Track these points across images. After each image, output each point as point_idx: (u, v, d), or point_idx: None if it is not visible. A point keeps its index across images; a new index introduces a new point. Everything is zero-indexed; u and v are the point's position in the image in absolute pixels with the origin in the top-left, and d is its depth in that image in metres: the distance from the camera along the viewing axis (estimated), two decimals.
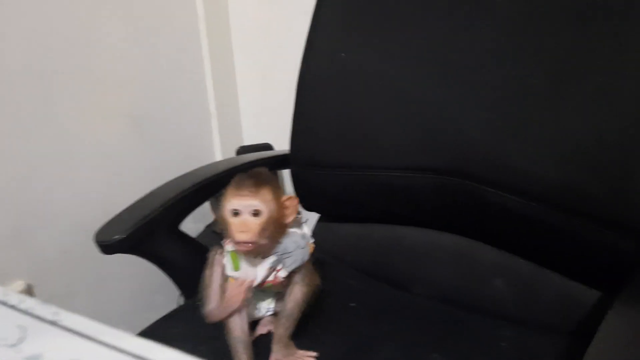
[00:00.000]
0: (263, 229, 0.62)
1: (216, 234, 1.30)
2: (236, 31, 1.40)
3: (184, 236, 0.88)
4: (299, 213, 0.71)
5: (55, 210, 1.07)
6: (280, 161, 1.01)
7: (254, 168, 0.68)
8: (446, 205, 0.86)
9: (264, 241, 0.63)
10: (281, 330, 0.71)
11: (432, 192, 0.86)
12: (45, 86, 1.01)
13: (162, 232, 0.83)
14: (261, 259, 0.66)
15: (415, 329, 0.78)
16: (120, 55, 1.15)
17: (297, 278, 0.72)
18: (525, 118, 0.75)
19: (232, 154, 1.38)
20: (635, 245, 0.67)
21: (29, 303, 0.35)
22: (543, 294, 0.81)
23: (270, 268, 0.67)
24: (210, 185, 0.89)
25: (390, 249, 0.95)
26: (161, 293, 1.17)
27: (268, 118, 1.45)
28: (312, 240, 0.72)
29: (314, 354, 0.69)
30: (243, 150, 1.34)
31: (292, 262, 0.67)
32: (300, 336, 0.72)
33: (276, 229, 0.65)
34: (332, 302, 0.84)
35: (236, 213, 0.62)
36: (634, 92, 0.66)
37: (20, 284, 1.03)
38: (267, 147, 1.33)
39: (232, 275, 0.67)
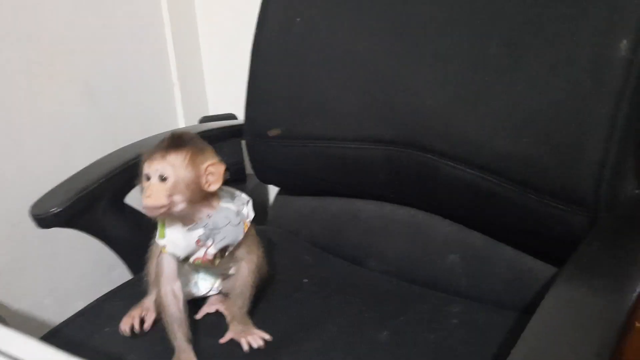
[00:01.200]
0: (170, 195, 0.59)
1: None
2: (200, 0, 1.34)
3: (130, 209, 0.85)
4: (242, 192, 0.68)
5: (1, 182, 1.03)
6: (235, 131, 0.97)
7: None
8: (400, 178, 0.83)
9: (178, 208, 0.60)
10: (235, 309, 0.69)
11: (386, 164, 0.83)
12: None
13: (104, 205, 0.80)
14: (187, 230, 0.63)
15: (366, 305, 0.76)
16: (72, 20, 1.10)
17: (241, 254, 0.69)
18: (480, 89, 0.72)
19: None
20: (587, 218, 0.65)
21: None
22: (496, 270, 0.79)
23: (199, 242, 0.64)
24: None
25: (345, 222, 0.93)
26: (118, 268, 1.14)
27: (234, 88, 1.40)
28: (249, 219, 0.69)
29: (268, 337, 0.67)
30: (205, 120, 1.30)
31: (222, 238, 0.64)
32: (250, 313, 0.70)
33: (194, 195, 0.61)
34: (285, 279, 0.82)
35: (148, 177, 0.60)
36: (588, 65, 0.63)
37: None
38: (230, 117, 1.29)
39: (158, 242, 0.65)
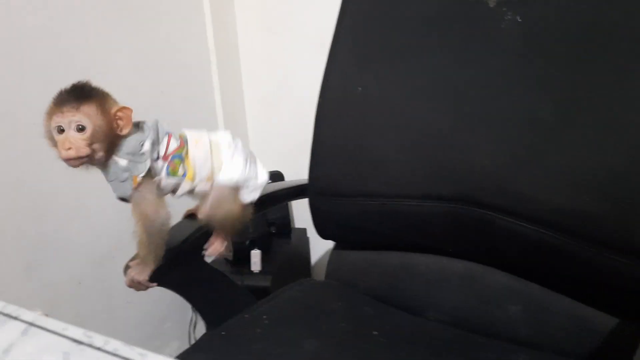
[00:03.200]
0: (90, 144, 0.62)
1: (227, 261, 1.33)
2: (245, 63, 1.44)
3: (205, 266, 0.91)
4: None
5: (67, 242, 1.09)
6: (300, 191, 1.04)
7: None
8: (457, 232, 0.90)
9: (98, 156, 0.64)
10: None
11: (443, 219, 0.89)
12: None
13: (185, 263, 0.86)
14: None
15: (435, 355, 0.81)
16: (130, 89, 1.18)
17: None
18: (533, 147, 0.79)
19: None
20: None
21: (113, 344, 0.38)
22: (555, 319, 0.84)
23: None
24: None
25: (402, 275, 0.98)
26: (170, 320, 1.19)
27: (276, 147, 1.48)
28: (141, 174, 0.68)
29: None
30: None
31: (113, 191, 0.69)
32: None
33: (110, 141, 0.65)
34: (352, 330, 0.86)
35: (62, 130, 0.62)
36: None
37: (38, 314, 1.04)
38: (278, 174, 1.37)
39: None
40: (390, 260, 1.01)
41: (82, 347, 0.38)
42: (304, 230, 1.46)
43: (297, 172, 1.08)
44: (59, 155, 0.63)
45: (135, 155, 0.67)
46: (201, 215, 0.79)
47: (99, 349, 0.38)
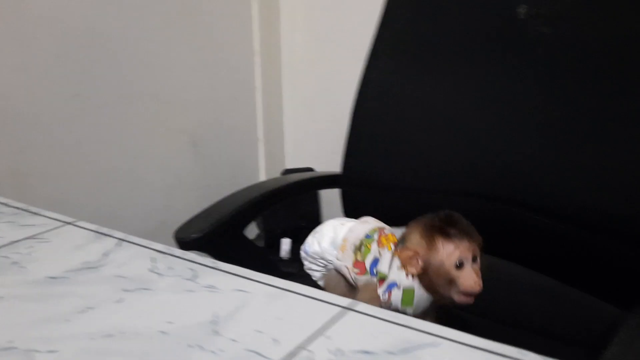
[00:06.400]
0: None
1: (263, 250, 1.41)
2: (286, 66, 1.54)
3: (248, 240, 0.99)
4: None
5: (123, 219, 1.18)
6: (329, 181, 1.11)
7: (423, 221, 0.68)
8: (486, 229, 0.96)
9: None
10: None
11: (473, 215, 0.96)
12: (122, 110, 1.15)
13: (231, 234, 0.94)
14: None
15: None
16: (184, 84, 1.29)
17: None
18: (567, 154, 0.86)
19: (275, 175, 1.50)
20: None
21: (189, 255, 0.46)
22: (568, 308, 0.90)
23: None
24: (274, 196, 1.00)
25: None
26: None
27: (309, 145, 1.57)
28: None
29: None
30: (287, 172, 1.45)
31: None
32: None
33: None
34: None
35: (460, 264, 0.62)
36: None
37: None
38: (309, 170, 1.45)
39: (401, 309, 0.68)
40: None
41: (165, 255, 0.47)
42: None
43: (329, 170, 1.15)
44: (456, 290, 0.63)
45: None
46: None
47: (178, 257, 0.46)
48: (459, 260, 0.62)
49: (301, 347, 0.34)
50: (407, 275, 0.67)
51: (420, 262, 0.65)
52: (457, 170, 0.95)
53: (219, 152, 1.41)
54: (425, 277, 0.66)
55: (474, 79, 0.96)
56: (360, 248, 0.76)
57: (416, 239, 0.67)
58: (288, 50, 1.52)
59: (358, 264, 0.74)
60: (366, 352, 0.34)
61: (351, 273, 0.76)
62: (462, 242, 0.62)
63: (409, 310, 0.69)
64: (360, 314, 0.38)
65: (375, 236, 0.77)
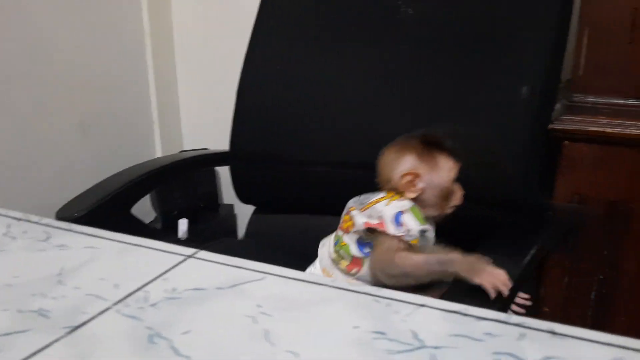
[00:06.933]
0: None
1: (159, 231, 1.41)
2: (179, 47, 1.54)
3: (135, 219, 1.00)
4: None
5: (13, 203, 1.15)
6: (220, 158, 1.15)
7: None
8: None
9: None
10: None
11: (352, 185, 1.03)
12: (5, 93, 1.11)
13: (116, 213, 0.95)
14: None
15: None
16: (71, 67, 1.27)
17: None
18: (432, 122, 0.94)
19: None
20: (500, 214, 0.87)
21: (46, 220, 0.49)
22: None
23: None
24: (158, 175, 1.01)
25: (315, 236, 1.11)
26: None
27: (207, 127, 1.59)
28: None
29: None
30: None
31: None
32: None
33: None
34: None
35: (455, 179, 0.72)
36: (505, 106, 0.87)
37: None
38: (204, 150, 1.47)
39: (422, 228, 0.70)
40: (304, 223, 1.13)
41: (20, 221, 0.48)
42: (231, 206, 1.57)
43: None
44: (449, 203, 0.72)
45: None
46: None
47: (35, 222, 0.48)
48: (456, 175, 0.69)
49: (139, 289, 0.38)
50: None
51: (421, 184, 0.71)
52: (337, 142, 1.02)
53: (112, 136, 1.39)
54: (421, 198, 0.72)
55: (350, 57, 1.02)
56: (339, 257, 0.79)
57: (412, 162, 0.73)
58: (180, 31, 1.52)
59: (350, 266, 0.77)
60: (198, 289, 0.38)
61: (352, 279, 0.76)
62: (454, 156, 0.70)
63: (430, 230, 0.72)
64: (199, 260, 0.42)
65: (339, 233, 0.82)
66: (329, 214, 1.10)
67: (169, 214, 1.39)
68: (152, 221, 1.45)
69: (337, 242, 0.81)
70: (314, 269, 0.84)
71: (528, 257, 0.70)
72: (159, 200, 1.39)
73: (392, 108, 0.97)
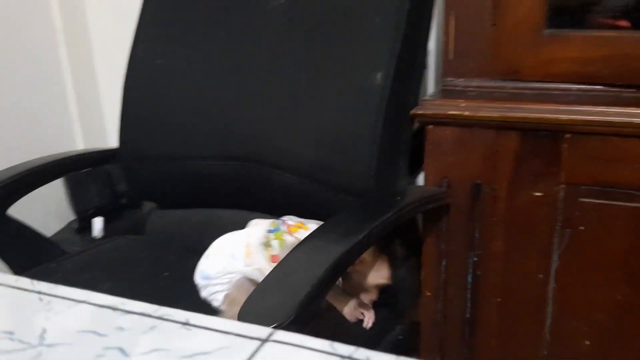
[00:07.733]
0: None
1: (77, 231, 1.41)
2: (97, 42, 1.52)
3: (14, 221, 0.99)
4: None
5: None
6: (109, 156, 1.13)
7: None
8: (245, 188, 1.02)
9: None
10: None
11: (232, 176, 1.01)
12: None
13: None
14: None
15: None
16: None
17: None
18: (294, 112, 0.93)
19: None
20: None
21: None
22: None
23: None
24: (37, 174, 1.00)
25: (206, 229, 1.09)
26: None
27: None
28: None
29: None
30: None
31: None
32: None
33: None
34: (144, 273, 0.98)
35: None
36: (357, 92, 0.86)
37: None
38: None
39: None
40: (198, 217, 1.12)
41: None
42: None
43: None
44: None
45: None
46: None
47: None
48: None
49: None
50: None
51: None
52: (215, 136, 1.01)
53: (28, 137, 1.38)
54: None
55: (223, 51, 1.01)
56: (269, 244, 0.83)
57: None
58: (96, 27, 1.50)
59: (275, 257, 0.81)
60: None
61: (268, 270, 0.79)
62: None
63: None
64: None
65: (283, 228, 0.85)
66: (221, 207, 1.10)
67: (85, 214, 1.38)
68: (70, 222, 1.44)
69: (276, 231, 0.85)
70: (236, 237, 0.89)
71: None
72: (73, 200, 1.38)
73: (260, 101, 0.96)
